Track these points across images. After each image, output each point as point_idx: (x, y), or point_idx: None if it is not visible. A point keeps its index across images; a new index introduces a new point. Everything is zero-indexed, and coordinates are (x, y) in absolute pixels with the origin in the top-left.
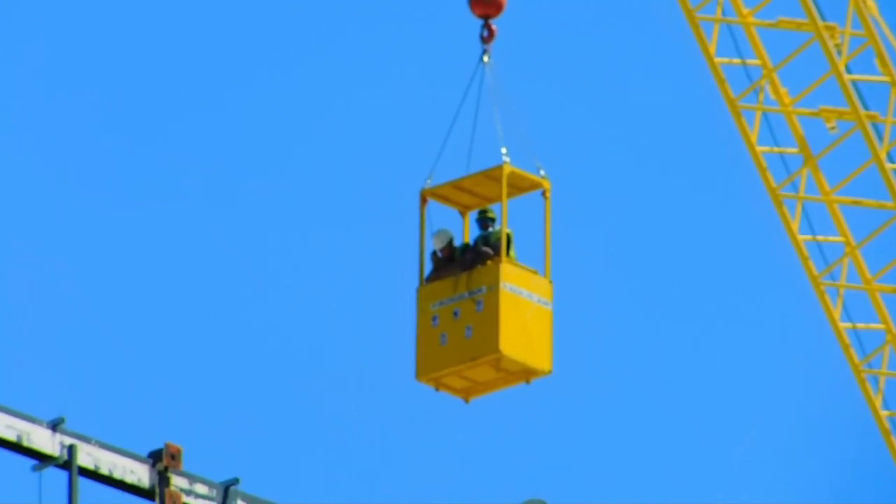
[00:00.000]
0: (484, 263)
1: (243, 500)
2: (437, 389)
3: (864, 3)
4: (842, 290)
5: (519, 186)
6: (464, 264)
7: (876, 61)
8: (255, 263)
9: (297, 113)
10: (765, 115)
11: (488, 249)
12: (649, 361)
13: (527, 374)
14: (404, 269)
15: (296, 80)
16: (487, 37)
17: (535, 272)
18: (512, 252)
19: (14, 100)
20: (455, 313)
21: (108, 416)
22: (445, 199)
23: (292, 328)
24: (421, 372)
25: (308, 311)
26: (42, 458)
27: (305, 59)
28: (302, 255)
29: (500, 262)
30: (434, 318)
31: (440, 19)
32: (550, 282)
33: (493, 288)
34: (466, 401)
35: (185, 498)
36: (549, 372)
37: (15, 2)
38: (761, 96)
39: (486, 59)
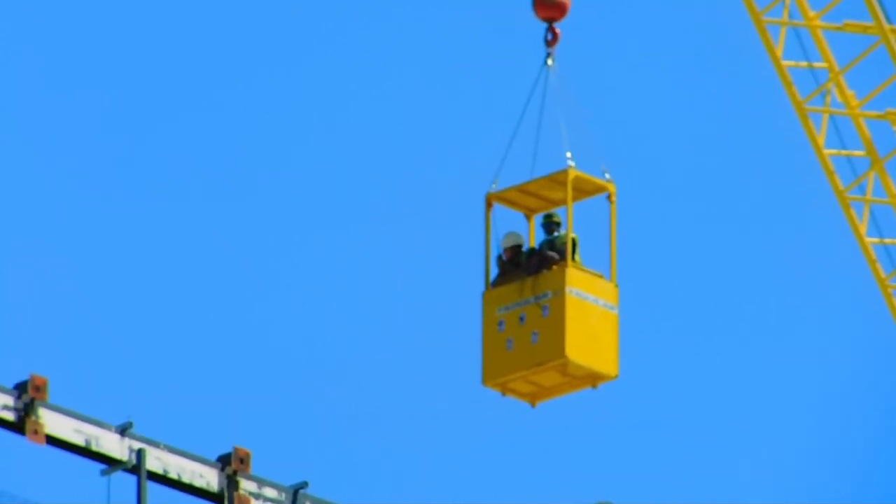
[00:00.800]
0: (549, 268)
1: (312, 503)
2: (503, 394)
3: None
4: None
5: (584, 190)
6: (529, 269)
7: None
8: (325, 269)
9: (365, 116)
10: (832, 117)
11: (554, 254)
12: (716, 365)
13: (593, 378)
14: (470, 273)
15: (362, 82)
16: (551, 40)
17: (601, 276)
18: (577, 256)
19: (14, 100)
20: (521, 318)
21: (176, 420)
22: (511, 203)
23: (360, 333)
24: (487, 377)
25: (375, 316)
26: (111, 463)
27: (372, 61)
28: (369, 260)
29: (565, 266)
30: (500, 323)
31: (505, 22)
32: (616, 286)
33: (559, 293)
34: (533, 405)
35: (254, 502)
36: (616, 376)
37: (15, 2)
38: (828, 99)
39: (550, 62)
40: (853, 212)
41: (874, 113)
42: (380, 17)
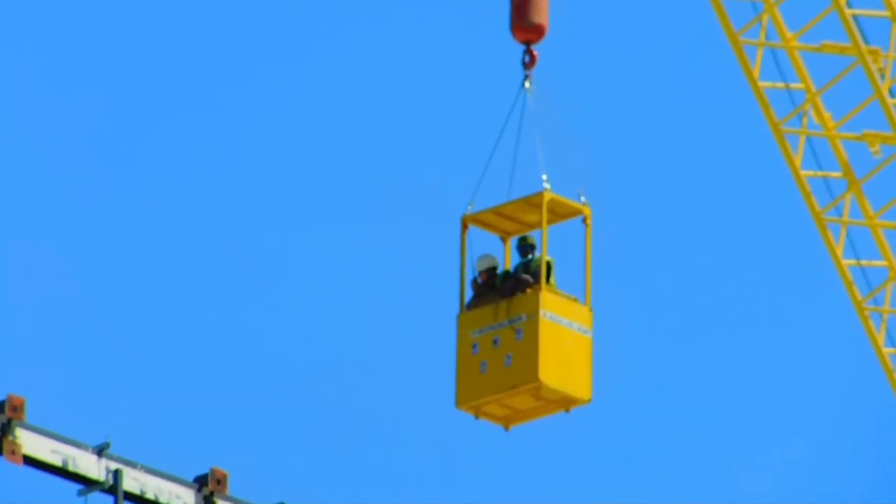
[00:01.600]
0: (524, 291)
1: None
2: (476, 417)
3: None
4: (885, 315)
5: (559, 213)
6: (504, 292)
7: None
8: (300, 291)
9: (339, 137)
10: (808, 139)
11: (528, 277)
12: (691, 389)
13: (566, 402)
14: (445, 295)
15: (338, 104)
16: (529, 62)
17: (576, 300)
18: (552, 280)
19: (15, 100)
20: (495, 341)
21: (153, 441)
22: (486, 225)
23: (334, 355)
24: (461, 400)
25: (350, 338)
26: (88, 483)
27: (350, 82)
28: (344, 282)
29: (539, 290)
30: (474, 346)
31: (482, 44)
32: (590, 310)
33: (533, 316)
34: (507, 429)
35: None
36: (589, 401)
37: (16, 2)
38: (805, 120)
39: (527, 84)
40: (830, 234)
41: (851, 134)
42: (355, 38)
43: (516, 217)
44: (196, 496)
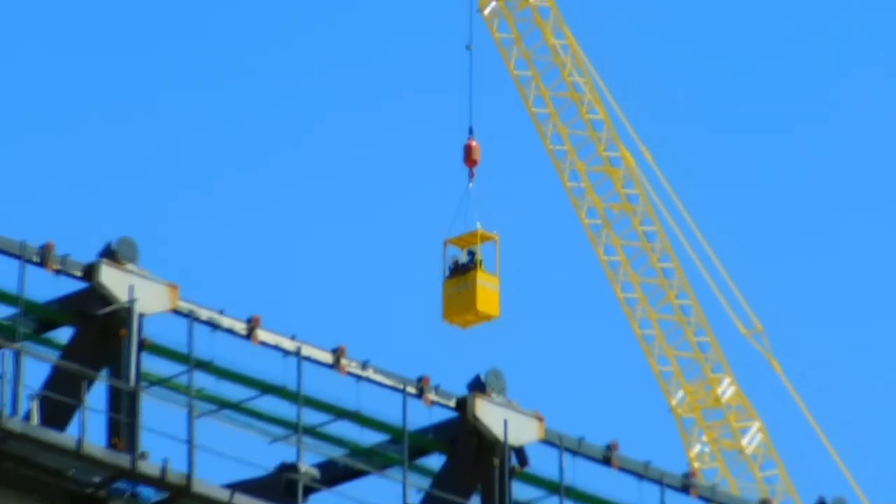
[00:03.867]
0: (470, 271)
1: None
2: (450, 324)
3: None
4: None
5: (486, 238)
6: (462, 271)
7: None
8: (361, 256)
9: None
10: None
11: (472, 265)
12: (572, 308)
13: (489, 317)
14: (438, 272)
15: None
16: (471, 177)
17: (493, 274)
18: (483, 267)
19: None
20: (459, 291)
21: (320, 330)
22: (455, 243)
23: (386, 310)
24: (446, 315)
25: (396, 298)
26: (288, 354)
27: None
28: (391, 265)
29: (476, 271)
30: (450, 294)
31: (447, 164)
32: (499, 279)
33: (473, 283)
34: (464, 328)
35: (349, 367)
36: (499, 316)
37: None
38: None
39: (471, 185)
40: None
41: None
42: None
43: (466, 240)
44: (332, 356)
